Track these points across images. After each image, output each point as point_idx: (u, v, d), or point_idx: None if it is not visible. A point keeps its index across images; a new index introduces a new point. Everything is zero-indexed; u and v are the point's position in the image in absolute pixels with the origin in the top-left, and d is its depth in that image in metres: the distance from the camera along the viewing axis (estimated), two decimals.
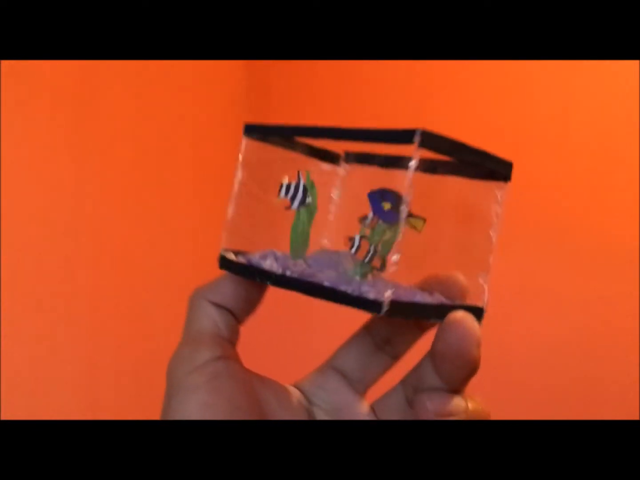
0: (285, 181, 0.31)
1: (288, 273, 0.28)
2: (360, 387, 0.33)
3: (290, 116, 1.37)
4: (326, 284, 0.27)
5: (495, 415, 0.27)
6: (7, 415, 0.79)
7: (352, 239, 0.28)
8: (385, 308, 0.24)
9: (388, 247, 0.28)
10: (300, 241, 0.31)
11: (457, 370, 0.27)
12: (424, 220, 0.27)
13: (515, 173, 0.27)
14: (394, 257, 0.27)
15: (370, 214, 0.28)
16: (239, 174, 0.31)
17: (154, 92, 1.07)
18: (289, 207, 0.31)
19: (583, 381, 1.07)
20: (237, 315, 0.33)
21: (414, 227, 0.27)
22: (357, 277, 0.28)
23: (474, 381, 0.28)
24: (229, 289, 0.32)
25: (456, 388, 0.28)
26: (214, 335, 0.31)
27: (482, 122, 1.16)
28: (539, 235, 1.13)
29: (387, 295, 0.25)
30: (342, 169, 0.35)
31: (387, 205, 0.28)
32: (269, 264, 0.30)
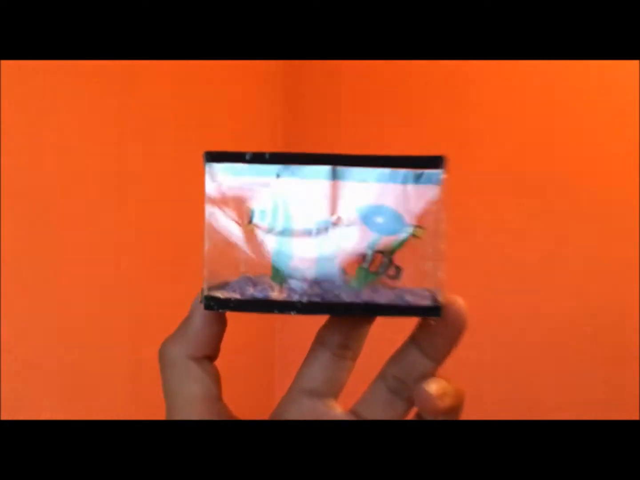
0: (257, 205, 0.30)
1: (315, 299, 0.28)
2: (330, 399, 0.34)
3: (327, 116, 1.32)
4: (382, 301, 0.28)
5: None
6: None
7: (364, 255, 0.29)
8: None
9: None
10: (285, 265, 0.31)
11: (449, 347, 0.31)
12: (424, 228, 0.30)
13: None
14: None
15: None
16: (208, 207, 0.29)
17: (196, 90, 1.10)
18: (269, 232, 0.30)
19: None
20: (215, 356, 0.32)
21: (415, 235, 0.29)
22: (360, 286, 0.30)
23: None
24: (204, 334, 0.31)
25: (442, 363, 0.32)
26: (206, 399, 0.31)
27: (509, 121, 1.16)
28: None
29: (441, 300, 0.27)
30: None
31: (379, 219, 0.30)
32: (276, 293, 0.29)
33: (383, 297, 0.29)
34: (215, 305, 0.29)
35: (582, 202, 1.11)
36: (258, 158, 0.28)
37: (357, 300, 0.29)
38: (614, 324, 1.07)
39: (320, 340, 0.34)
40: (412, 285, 0.31)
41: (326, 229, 0.31)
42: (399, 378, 0.33)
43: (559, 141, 1.13)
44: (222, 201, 0.30)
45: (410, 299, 0.29)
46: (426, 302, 0.28)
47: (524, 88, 1.16)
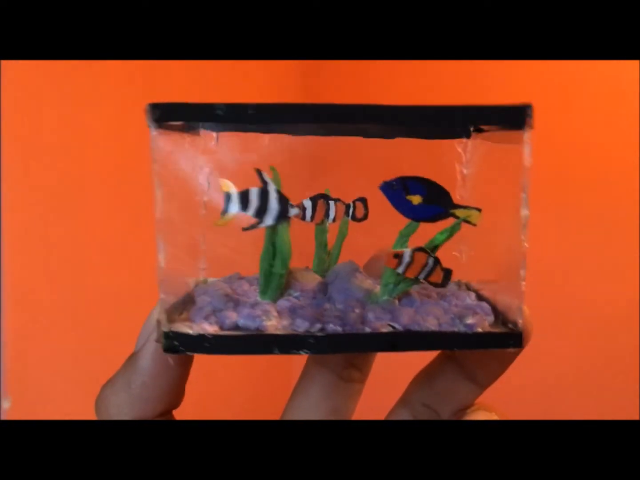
0: (232, 189, 0.20)
1: (332, 327, 0.19)
2: None
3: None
4: (431, 326, 0.19)
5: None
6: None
7: (399, 255, 0.19)
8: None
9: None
10: (279, 273, 0.21)
11: (504, 369, 0.23)
12: (479, 210, 0.20)
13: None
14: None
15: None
16: (159, 193, 0.19)
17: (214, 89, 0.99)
18: (253, 226, 0.20)
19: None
20: (176, 405, 0.22)
21: (468, 221, 0.20)
22: (391, 298, 0.20)
23: None
24: (157, 387, 0.21)
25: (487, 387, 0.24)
26: None
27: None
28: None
29: (521, 323, 0.18)
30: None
31: (415, 199, 0.20)
32: (272, 321, 0.19)
33: (429, 318, 0.20)
34: (181, 346, 0.19)
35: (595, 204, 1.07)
36: (237, 113, 0.18)
37: (396, 328, 0.19)
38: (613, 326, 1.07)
39: (318, 359, 0.24)
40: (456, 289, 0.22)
41: (338, 216, 0.21)
42: (430, 406, 0.24)
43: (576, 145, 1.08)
44: (181, 182, 0.20)
45: (473, 321, 0.19)
46: (497, 327, 0.19)
47: (552, 89, 1.10)
